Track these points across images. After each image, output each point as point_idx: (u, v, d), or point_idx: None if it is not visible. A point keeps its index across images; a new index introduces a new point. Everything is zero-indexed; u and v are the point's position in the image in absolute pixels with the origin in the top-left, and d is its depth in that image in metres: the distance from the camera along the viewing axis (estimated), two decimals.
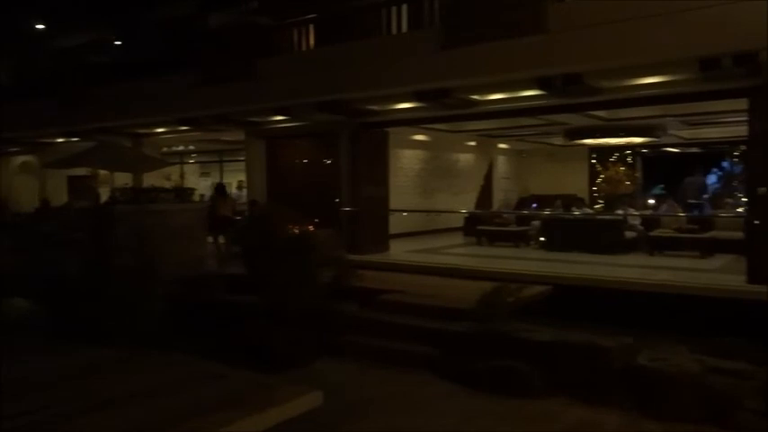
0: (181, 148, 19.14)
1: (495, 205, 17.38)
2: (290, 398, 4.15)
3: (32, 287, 10.08)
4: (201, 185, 19.87)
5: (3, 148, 19.56)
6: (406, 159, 15.26)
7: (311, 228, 9.73)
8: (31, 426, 3.92)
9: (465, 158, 17.35)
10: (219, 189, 13.72)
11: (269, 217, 8.56)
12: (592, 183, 18.03)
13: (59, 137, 17.25)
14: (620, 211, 13.00)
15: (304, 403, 4.16)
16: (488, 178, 18.01)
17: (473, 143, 17.20)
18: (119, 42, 17.63)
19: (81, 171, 17.45)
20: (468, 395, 5.98)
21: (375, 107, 11.35)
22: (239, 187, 18.63)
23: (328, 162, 12.64)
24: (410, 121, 12.16)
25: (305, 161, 13.30)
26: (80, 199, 17.00)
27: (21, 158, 20.24)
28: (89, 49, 17.67)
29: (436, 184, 15.99)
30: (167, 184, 17.18)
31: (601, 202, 16.64)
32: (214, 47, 12.65)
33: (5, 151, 19.93)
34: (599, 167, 17.83)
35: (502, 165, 18.87)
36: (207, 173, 21.80)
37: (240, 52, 12.06)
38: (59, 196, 18.36)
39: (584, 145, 15.93)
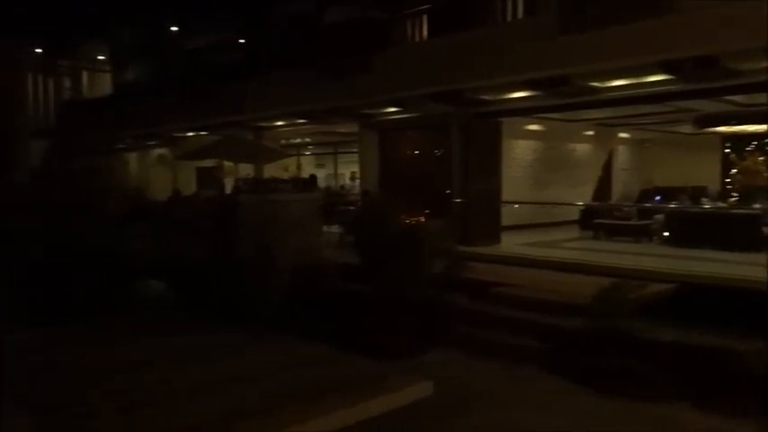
0: (298, 140, 19.91)
1: (615, 197, 16.54)
2: (400, 386, 4.22)
3: (166, 271, 10.97)
4: (317, 175, 20.58)
5: (142, 141, 21.40)
6: (520, 150, 14.91)
7: (422, 219, 9.79)
8: (158, 397, 4.25)
9: (582, 149, 16.64)
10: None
11: (381, 208, 8.70)
12: (725, 174, 16.63)
13: (190, 131, 18.59)
14: (757, 205, 11.91)
15: (414, 392, 4.22)
16: (607, 169, 17.17)
17: (591, 132, 16.46)
18: (242, 41, 18.59)
19: (208, 162, 18.67)
20: (583, 393, 5.77)
21: (488, 97, 11.18)
22: (352, 178, 19.10)
23: (439, 153, 12.62)
24: (524, 110, 11.84)
25: (416, 152, 13.37)
26: (207, 189, 18.24)
27: (157, 151, 22.01)
28: (216, 48, 18.83)
29: (550, 175, 15.48)
30: (285, 175, 17.99)
31: (735, 195, 15.32)
32: (329, 42, 13.02)
33: (145, 145, 21.77)
34: (733, 157, 16.41)
35: (622, 155, 17.90)
36: (322, 164, 22.52)
37: (355, 46, 12.32)
38: (189, 186, 19.80)
39: (716, 133, 14.72)
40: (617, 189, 17.15)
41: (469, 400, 5.62)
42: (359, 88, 12.00)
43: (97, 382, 4.58)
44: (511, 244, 11.73)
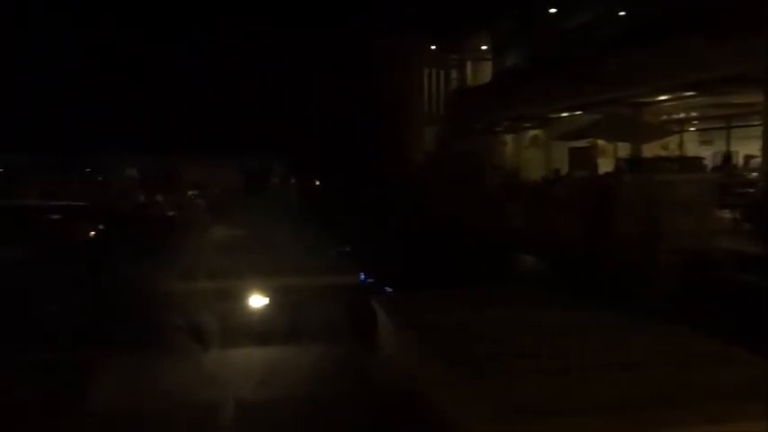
0: (681, 115, 18.15)
1: None
2: None
3: (539, 247, 11.40)
4: (702, 154, 18.44)
5: (518, 123, 22.50)
6: None
7: None
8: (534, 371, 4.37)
9: None
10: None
11: None
12: None
13: (564, 111, 18.72)
14: None
15: None
16: None
17: None
18: (623, 13, 17.76)
19: (580, 143, 18.51)
20: None
21: None
22: (747, 157, 16.58)
23: None
24: None
25: None
26: (580, 169, 18.15)
27: (531, 133, 22.82)
28: (594, 24, 18.45)
29: None
30: (663, 154, 16.69)
31: None
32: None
33: (520, 127, 22.84)
34: None
35: None
36: (708, 141, 20.04)
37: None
38: (561, 166, 19.99)
39: None
40: None
41: None
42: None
43: (485, 345, 4.97)
44: None
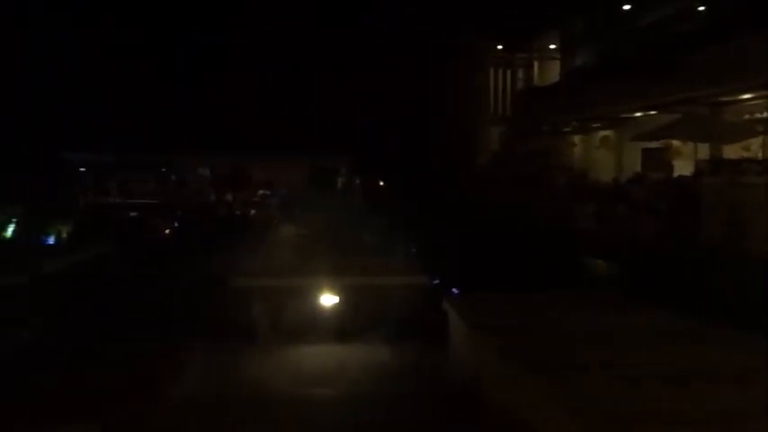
0: (765, 114, 17.20)
1: None
2: None
3: (609, 250, 11.05)
4: None
5: (587, 124, 21.90)
6: None
7: None
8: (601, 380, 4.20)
9: None
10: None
11: None
12: None
13: (637, 111, 18.08)
14: None
15: None
16: None
17: None
18: (702, 8, 17.01)
19: (654, 144, 17.84)
20: None
21: None
22: None
23: None
24: None
25: None
26: (654, 170, 17.50)
27: (601, 133, 22.14)
28: (671, 20, 17.76)
29: None
30: (745, 155, 15.89)
31: None
32: None
33: (589, 127, 22.22)
34: None
35: None
36: None
37: None
38: (633, 168, 19.31)
39: None
40: None
41: None
42: None
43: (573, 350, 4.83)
44: None
